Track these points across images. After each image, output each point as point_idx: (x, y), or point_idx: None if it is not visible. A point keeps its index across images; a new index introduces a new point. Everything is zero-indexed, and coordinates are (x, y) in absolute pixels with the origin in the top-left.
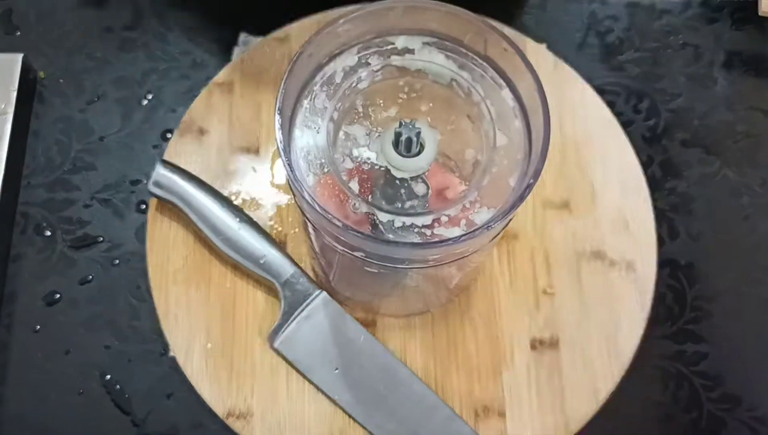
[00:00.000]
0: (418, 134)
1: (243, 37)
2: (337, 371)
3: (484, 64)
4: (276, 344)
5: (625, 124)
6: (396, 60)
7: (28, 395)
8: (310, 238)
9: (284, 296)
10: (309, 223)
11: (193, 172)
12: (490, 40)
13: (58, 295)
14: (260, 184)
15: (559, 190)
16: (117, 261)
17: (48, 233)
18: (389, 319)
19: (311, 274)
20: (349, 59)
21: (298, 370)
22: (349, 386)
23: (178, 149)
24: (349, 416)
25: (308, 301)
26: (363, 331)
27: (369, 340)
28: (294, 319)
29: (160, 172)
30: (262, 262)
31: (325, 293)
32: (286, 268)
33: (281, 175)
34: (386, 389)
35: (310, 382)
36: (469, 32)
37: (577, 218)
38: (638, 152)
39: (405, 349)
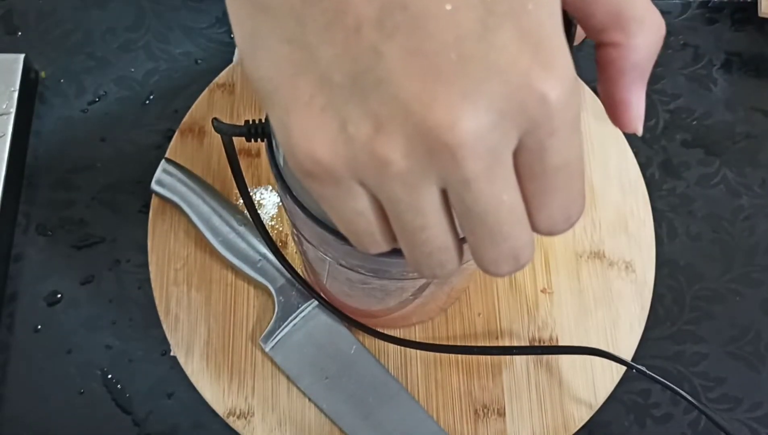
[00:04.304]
0: None
1: None
2: (326, 380)
3: None
4: (267, 349)
5: None
6: None
7: (29, 395)
8: (299, 246)
9: (278, 301)
10: (298, 233)
11: (195, 173)
12: None
13: (59, 295)
14: (261, 184)
15: None
16: (118, 261)
17: (49, 233)
18: None
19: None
20: None
21: (287, 376)
22: (338, 396)
23: (179, 150)
24: (334, 424)
25: (302, 308)
26: (355, 342)
27: (360, 351)
28: (287, 325)
29: (164, 170)
30: (258, 265)
31: (318, 302)
32: (282, 274)
33: None
34: (374, 402)
35: (299, 388)
36: None
37: None
38: (637, 153)
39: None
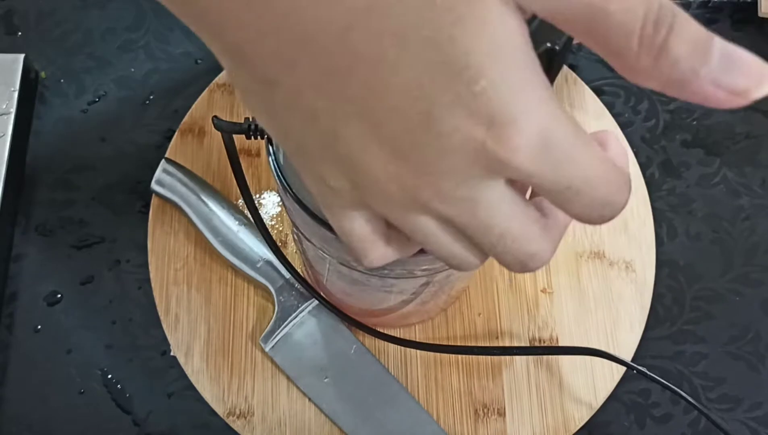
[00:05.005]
0: None
1: None
2: (326, 380)
3: None
4: (267, 348)
5: (625, 125)
6: None
7: (29, 395)
8: (299, 245)
9: (278, 301)
10: (298, 231)
11: (195, 173)
12: None
13: (59, 295)
14: (261, 184)
15: None
16: (118, 261)
17: (49, 233)
18: None
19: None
20: None
21: (287, 376)
22: (338, 396)
23: (179, 150)
24: (334, 424)
25: (302, 307)
26: (355, 342)
27: (360, 351)
28: (287, 325)
29: (163, 170)
30: (258, 265)
31: (318, 302)
32: (282, 273)
33: None
34: (375, 402)
35: (299, 388)
36: None
37: None
38: (637, 153)
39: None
